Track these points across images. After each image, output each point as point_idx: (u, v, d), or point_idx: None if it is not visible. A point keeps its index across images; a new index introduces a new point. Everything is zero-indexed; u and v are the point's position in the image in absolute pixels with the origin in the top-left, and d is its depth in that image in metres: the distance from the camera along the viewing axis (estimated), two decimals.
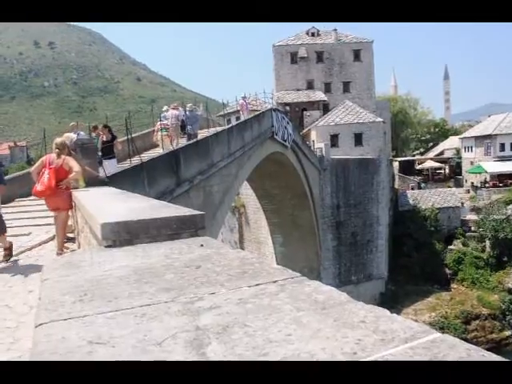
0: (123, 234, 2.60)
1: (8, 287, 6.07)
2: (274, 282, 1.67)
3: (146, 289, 1.68)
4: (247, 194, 33.09)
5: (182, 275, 1.84)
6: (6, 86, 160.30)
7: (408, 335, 1.16)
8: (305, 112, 41.95)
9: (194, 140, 13.88)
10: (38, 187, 5.93)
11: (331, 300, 1.45)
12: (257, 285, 1.65)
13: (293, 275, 1.75)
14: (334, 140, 37.31)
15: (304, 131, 38.56)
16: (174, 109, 15.16)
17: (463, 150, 53.92)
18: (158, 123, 14.72)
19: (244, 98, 21.45)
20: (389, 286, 35.62)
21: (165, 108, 16.46)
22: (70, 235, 6.79)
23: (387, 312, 1.35)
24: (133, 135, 12.08)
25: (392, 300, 33.33)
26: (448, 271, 37.35)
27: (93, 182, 7.04)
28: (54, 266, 2.19)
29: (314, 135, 38.09)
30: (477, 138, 50.71)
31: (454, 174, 55.03)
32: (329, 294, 1.51)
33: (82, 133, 11.72)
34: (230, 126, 16.80)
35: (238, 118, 20.89)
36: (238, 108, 22.20)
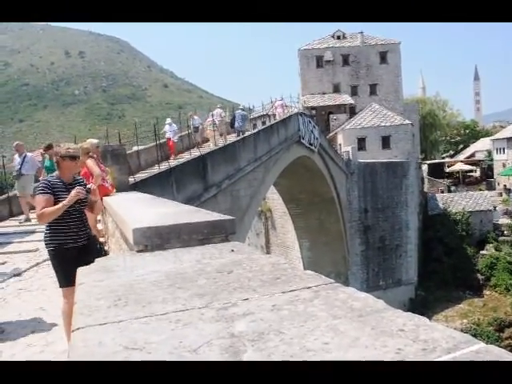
0: (154, 239, 2.62)
1: (42, 290, 6.23)
2: (308, 288, 1.65)
3: (180, 294, 1.68)
4: (273, 199, 33.05)
5: (215, 280, 1.84)
6: (39, 95, 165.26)
7: (450, 345, 1.12)
8: (331, 115, 41.70)
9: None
10: None
11: (368, 307, 1.42)
12: (290, 291, 1.62)
13: (326, 281, 1.72)
14: (361, 143, 36.94)
15: (330, 135, 38.32)
16: (220, 108, 18.56)
17: (495, 151, 52.47)
18: (207, 120, 17.45)
19: (281, 99, 23.79)
20: (418, 291, 34.88)
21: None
22: (101, 239, 6.92)
23: (427, 320, 1.31)
24: (160, 141, 12.27)
25: (422, 306, 32.62)
26: (480, 277, 36.29)
27: (123, 187, 7.15)
28: (88, 271, 2.23)
29: (340, 139, 37.80)
30: (509, 139, 49.27)
31: (485, 176, 53.55)
32: (365, 301, 1.48)
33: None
34: (257, 130, 16.86)
35: (263, 123, 20.97)
36: (275, 111, 23.48)
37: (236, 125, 17.84)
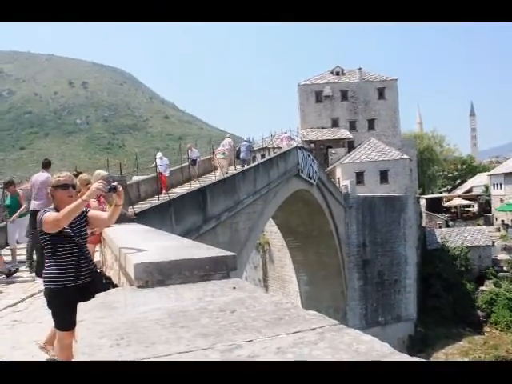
0: (156, 275, 2.60)
1: (38, 323, 6.13)
2: (312, 329, 1.63)
3: (183, 334, 1.67)
4: (272, 231, 32.95)
5: (218, 320, 1.82)
6: (41, 123, 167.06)
7: None
8: (330, 149, 42.14)
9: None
10: None
11: (373, 351, 1.40)
12: (294, 332, 1.61)
13: (330, 322, 1.71)
14: (359, 177, 37.18)
15: (329, 168, 38.60)
16: (228, 137, 19.56)
17: (492, 186, 52.78)
18: (217, 149, 18.19)
19: (286, 132, 25.00)
20: (418, 328, 34.33)
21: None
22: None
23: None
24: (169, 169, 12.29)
25: (422, 343, 32.07)
26: (480, 313, 35.85)
27: (121, 218, 7.12)
28: (88, 307, 2.21)
29: (339, 172, 38.05)
30: (506, 174, 49.65)
31: (483, 211, 53.67)
32: (370, 345, 1.46)
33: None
34: (257, 163, 16.99)
35: (263, 156, 21.20)
36: (280, 144, 24.35)
37: (241, 155, 18.52)
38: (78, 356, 1.52)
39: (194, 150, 19.28)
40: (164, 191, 15.32)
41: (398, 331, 32.58)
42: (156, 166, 16.47)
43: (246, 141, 19.64)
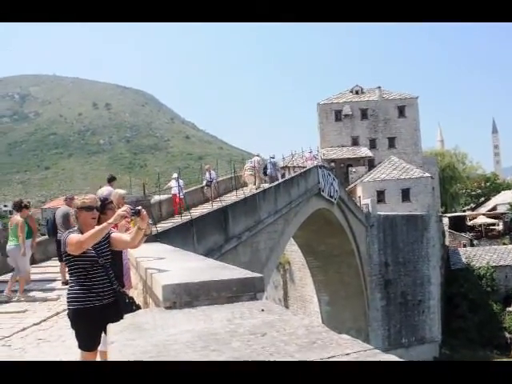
0: (184, 296, 2.60)
1: (62, 341, 6.17)
2: (347, 354, 1.61)
3: (214, 357, 1.65)
4: (292, 250, 32.72)
5: (249, 343, 1.80)
6: (65, 144, 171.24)
7: None
8: (350, 168, 41.94)
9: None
10: None
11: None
12: (329, 358, 1.58)
13: (365, 347, 1.68)
14: (380, 196, 36.82)
15: (350, 187, 38.36)
16: (257, 156, 20.13)
17: None
18: (247, 165, 19.39)
19: (311, 152, 25.21)
20: (443, 350, 33.37)
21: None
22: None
23: None
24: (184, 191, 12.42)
25: None
26: (508, 335, 34.73)
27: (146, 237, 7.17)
28: (118, 329, 2.21)
29: (359, 191, 37.76)
30: None
31: (508, 230, 52.31)
32: None
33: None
34: (277, 182, 17.00)
35: (283, 175, 21.17)
36: (305, 163, 24.57)
37: (268, 172, 19.26)
38: None
39: (212, 171, 19.10)
40: (176, 214, 14.99)
41: (423, 353, 31.68)
42: (170, 188, 16.50)
43: (271, 157, 20.66)
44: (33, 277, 10.10)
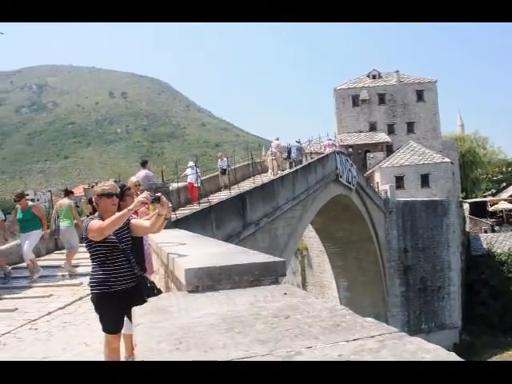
0: (206, 280, 2.62)
1: (87, 325, 6.30)
2: (372, 337, 1.60)
3: (240, 339, 1.66)
4: (310, 237, 32.70)
5: (273, 326, 1.81)
6: (84, 133, 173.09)
7: None
8: (368, 154, 41.50)
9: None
10: None
11: (441, 360, 1.36)
12: (354, 340, 1.58)
13: (390, 330, 1.67)
14: (399, 182, 36.42)
15: (368, 173, 38.01)
16: (276, 140, 20.37)
17: None
18: (269, 150, 19.90)
19: (330, 139, 25.11)
20: (463, 336, 33.14)
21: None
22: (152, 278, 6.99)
23: None
24: (201, 178, 12.49)
25: (467, 352, 30.82)
26: None
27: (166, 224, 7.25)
28: (143, 311, 2.24)
29: (378, 177, 37.40)
30: None
31: None
32: (436, 353, 1.42)
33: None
34: (295, 169, 16.93)
35: (300, 161, 21.06)
36: (324, 150, 24.26)
37: (292, 155, 19.85)
38: (141, 360, 1.54)
39: (224, 159, 19.06)
40: (194, 202, 15.05)
41: (443, 339, 31.46)
42: (186, 175, 16.58)
43: (297, 142, 20.98)
44: (57, 263, 10.36)
